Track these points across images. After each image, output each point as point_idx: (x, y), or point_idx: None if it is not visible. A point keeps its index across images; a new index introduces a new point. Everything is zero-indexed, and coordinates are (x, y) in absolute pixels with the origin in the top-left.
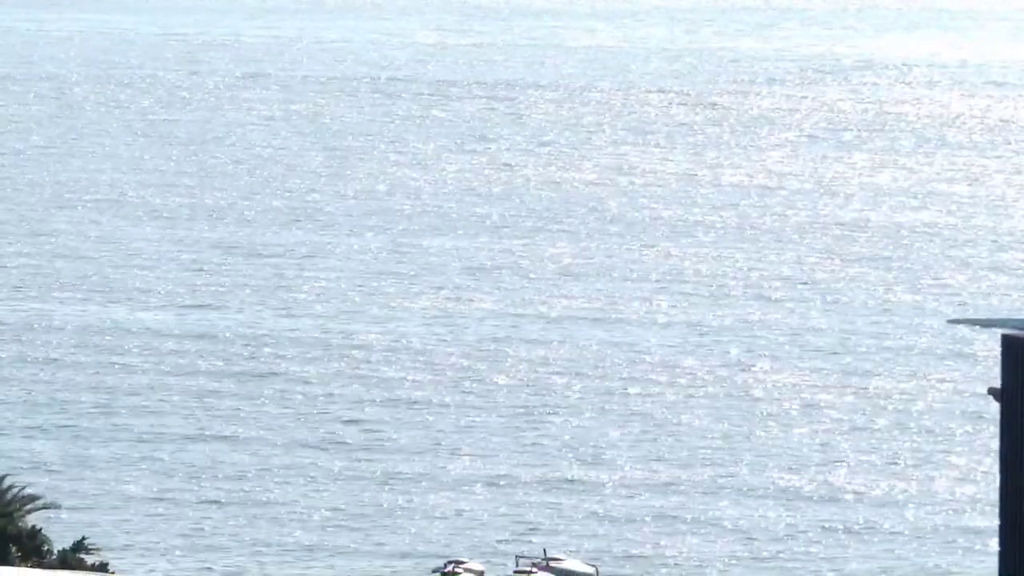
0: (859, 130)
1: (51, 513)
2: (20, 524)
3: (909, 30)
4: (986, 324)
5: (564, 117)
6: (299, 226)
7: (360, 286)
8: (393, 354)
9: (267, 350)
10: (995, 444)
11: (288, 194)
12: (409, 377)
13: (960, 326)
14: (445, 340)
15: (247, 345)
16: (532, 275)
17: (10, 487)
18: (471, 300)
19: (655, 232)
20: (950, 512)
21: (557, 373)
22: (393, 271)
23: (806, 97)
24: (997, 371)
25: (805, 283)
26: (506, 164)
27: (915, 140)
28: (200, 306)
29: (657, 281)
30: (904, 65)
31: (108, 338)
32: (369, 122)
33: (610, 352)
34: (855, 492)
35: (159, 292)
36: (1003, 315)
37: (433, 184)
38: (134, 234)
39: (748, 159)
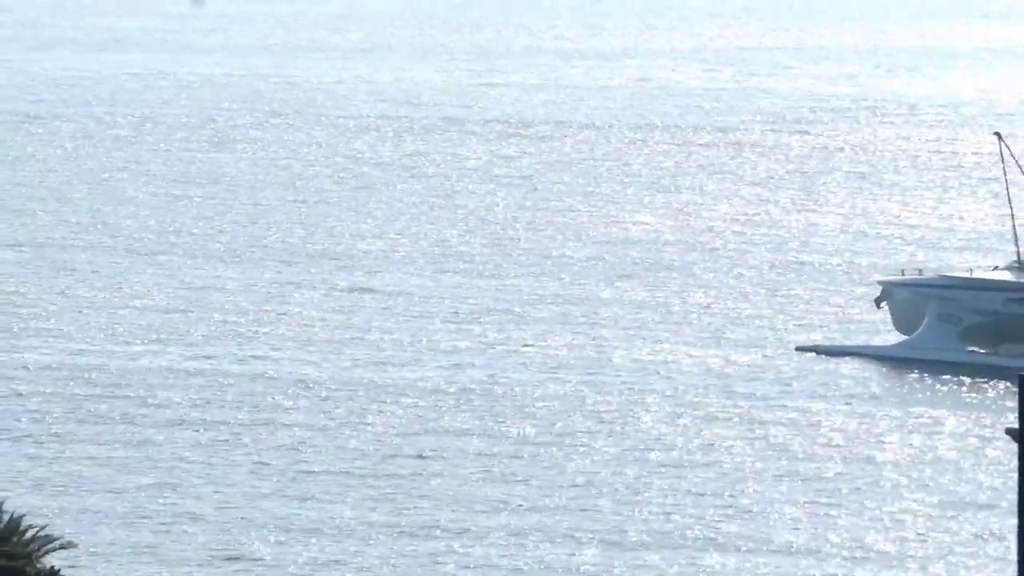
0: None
1: (69, 553)
2: (39, 565)
3: (944, 69)
4: (827, 351)
5: (597, 157)
6: (335, 265)
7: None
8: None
9: (280, 394)
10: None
11: (309, 228)
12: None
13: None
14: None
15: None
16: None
17: (28, 527)
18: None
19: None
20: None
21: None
22: (439, 312)
23: (843, 134)
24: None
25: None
26: (542, 205)
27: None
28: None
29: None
30: (940, 105)
31: (153, 381)
32: (395, 158)
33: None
34: (854, 548)
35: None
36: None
37: (461, 222)
38: (194, 275)
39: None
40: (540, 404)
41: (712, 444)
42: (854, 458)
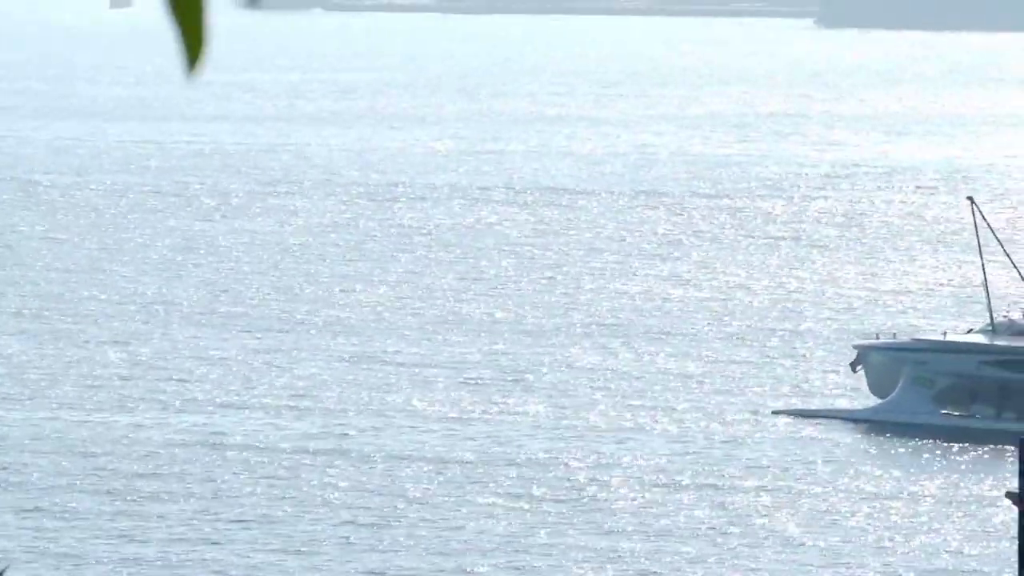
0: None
1: None
2: None
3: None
4: (803, 414)
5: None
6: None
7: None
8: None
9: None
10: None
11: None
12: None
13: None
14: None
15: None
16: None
17: None
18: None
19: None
20: None
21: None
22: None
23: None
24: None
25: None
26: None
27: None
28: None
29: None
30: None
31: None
32: (389, 226)
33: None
34: None
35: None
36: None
37: (455, 288)
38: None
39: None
40: (515, 470)
41: (685, 510)
42: (831, 524)
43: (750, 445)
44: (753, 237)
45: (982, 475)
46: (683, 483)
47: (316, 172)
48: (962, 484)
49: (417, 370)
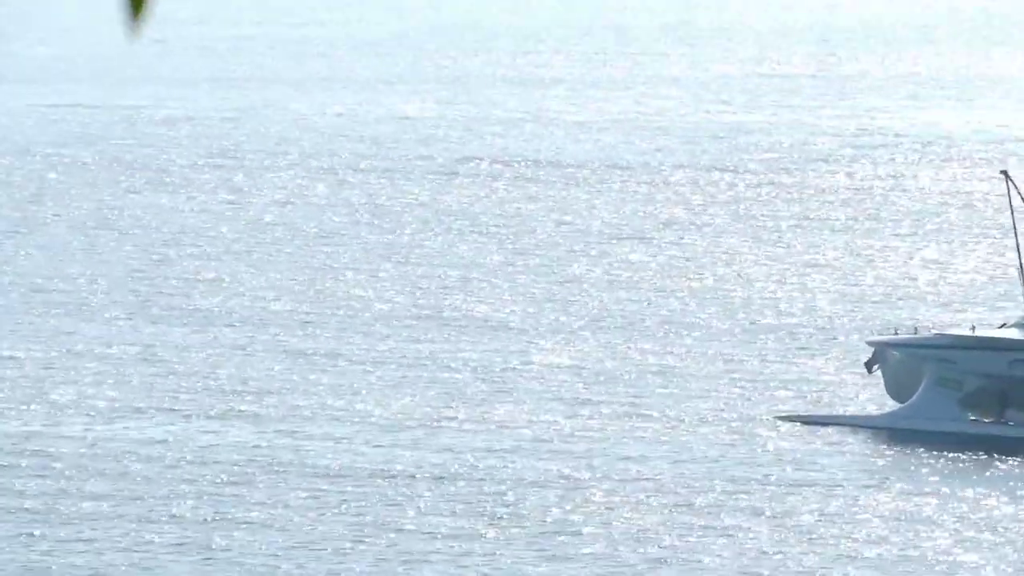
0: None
1: None
2: None
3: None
4: (812, 420)
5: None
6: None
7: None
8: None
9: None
10: None
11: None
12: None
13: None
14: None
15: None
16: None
17: None
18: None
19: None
20: None
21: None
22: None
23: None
24: None
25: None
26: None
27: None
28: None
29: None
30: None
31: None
32: (360, 202)
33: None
34: None
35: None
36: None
37: (436, 275)
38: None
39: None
40: (510, 479)
41: (680, 526)
42: (841, 548)
43: (749, 456)
44: (758, 217)
45: (1017, 491)
46: (672, 501)
47: (269, 142)
48: (994, 502)
49: (384, 369)
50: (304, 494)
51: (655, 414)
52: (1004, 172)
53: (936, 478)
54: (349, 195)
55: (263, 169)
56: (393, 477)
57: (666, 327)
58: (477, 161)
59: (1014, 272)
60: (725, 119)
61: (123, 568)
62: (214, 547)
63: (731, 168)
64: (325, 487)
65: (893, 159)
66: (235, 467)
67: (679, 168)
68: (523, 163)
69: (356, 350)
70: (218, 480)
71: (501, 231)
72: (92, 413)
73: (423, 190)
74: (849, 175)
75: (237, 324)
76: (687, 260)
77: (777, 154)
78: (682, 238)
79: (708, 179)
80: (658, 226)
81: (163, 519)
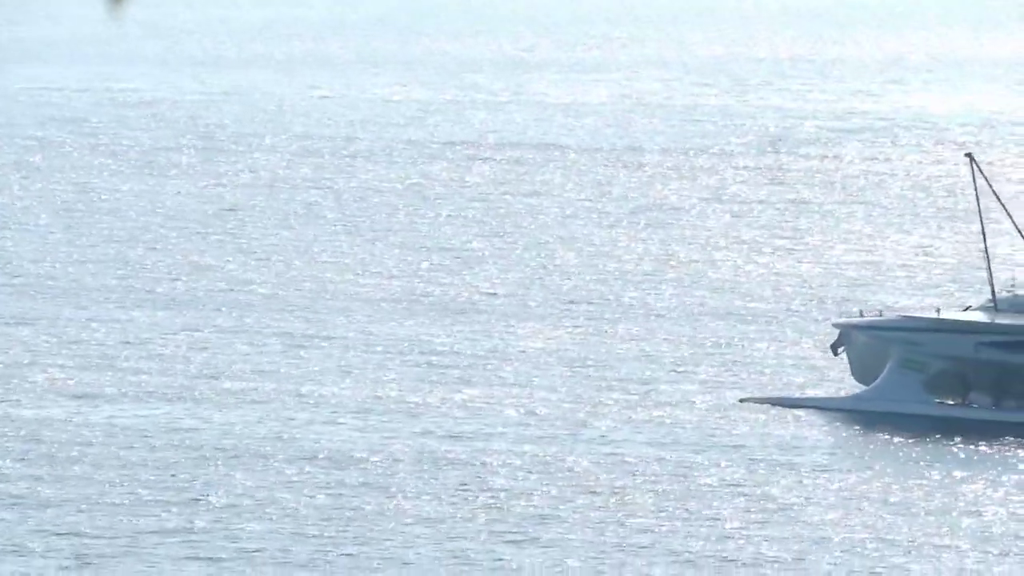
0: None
1: None
2: None
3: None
4: (776, 403)
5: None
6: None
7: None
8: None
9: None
10: None
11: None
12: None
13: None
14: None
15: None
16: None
17: None
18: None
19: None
20: None
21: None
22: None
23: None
24: None
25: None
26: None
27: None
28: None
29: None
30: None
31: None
32: (346, 185)
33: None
34: None
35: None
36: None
37: (421, 258)
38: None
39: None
40: (482, 459)
41: (644, 509)
42: (805, 531)
43: (711, 440)
44: (733, 201)
45: (980, 473)
46: (633, 484)
47: (253, 125)
48: (958, 484)
49: (369, 352)
50: (288, 476)
51: (618, 397)
52: (968, 155)
53: (900, 461)
54: (332, 178)
55: (245, 151)
56: (377, 460)
57: (636, 310)
58: (461, 145)
59: (979, 255)
60: (708, 102)
61: (106, 550)
62: (197, 530)
63: (710, 151)
64: (309, 469)
65: (869, 142)
66: (218, 450)
67: (659, 152)
68: (506, 146)
69: (340, 333)
70: (200, 463)
71: (483, 215)
72: (73, 396)
73: (406, 173)
74: (823, 158)
75: (220, 307)
76: (660, 244)
77: (756, 137)
78: (657, 222)
79: (686, 163)
80: (635, 210)
81: (146, 502)
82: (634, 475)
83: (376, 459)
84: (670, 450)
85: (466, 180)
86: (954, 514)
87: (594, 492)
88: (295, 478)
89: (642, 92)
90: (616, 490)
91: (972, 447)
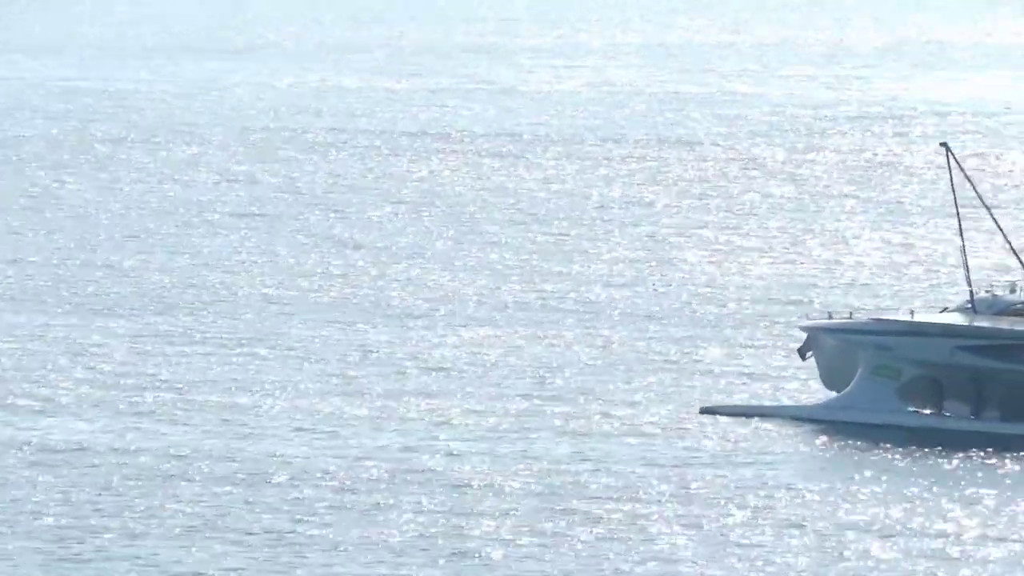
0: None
1: None
2: None
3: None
4: (739, 412)
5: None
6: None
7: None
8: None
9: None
10: None
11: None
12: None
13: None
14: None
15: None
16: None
17: None
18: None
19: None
20: None
21: None
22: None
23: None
24: None
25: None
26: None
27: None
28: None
29: None
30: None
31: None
32: (296, 180)
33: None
34: None
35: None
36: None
37: (376, 259)
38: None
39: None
40: (435, 471)
41: (597, 527)
42: (765, 549)
43: (669, 452)
44: (700, 196)
45: (957, 488)
46: (582, 501)
47: (196, 116)
48: (933, 499)
49: (320, 363)
50: (237, 490)
51: (567, 407)
52: (944, 144)
53: (871, 474)
54: (283, 173)
55: (187, 145)
56: (332, 471)
57: (590, 313)
58: (430, 136)
59: (956, 253)
60: (685, 90)
61: (51, 566)
62: (141, 544)
63: (682, 142)
64: (259, 483)
65: (841, 132)
66: (161, 466)
67: (620, 144)
68: (477, 137)
69: (286, 339)
70: (142, 480)
71: (443, 212)
72: (13, 408)
73: (365, 167)
74: (794, 149)
75: (162, 313)
76: (617, 243)
77: (731, 128)
78: (615, 220)
79: (656, 155)
80: (591, 208)
81: (85, 524)
82: (584, 491)
83: (336, 469)
84: (623, 463)
85: (432, 174)
86: (929, 533)
87: (542, 509)
88: (245, 496)
89: (617, 80)
90: (564, 509)
91: (949, 460)
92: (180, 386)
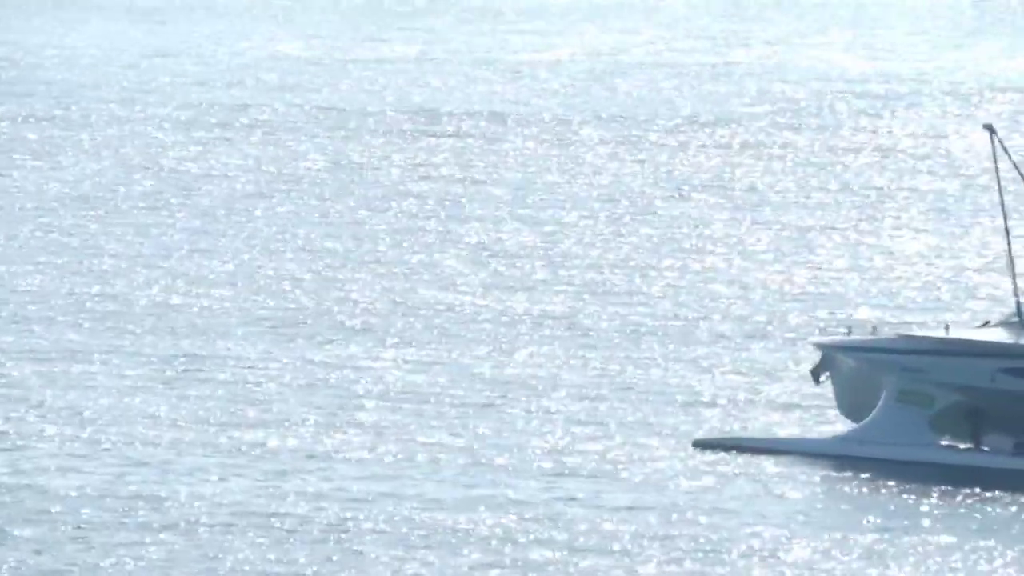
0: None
1: None
2: None
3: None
4: (739, 446)
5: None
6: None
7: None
8: None
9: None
10: None
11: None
12: None
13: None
14: None
15: None
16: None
17: None
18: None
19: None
20: None
21: None
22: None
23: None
24: None
25: None
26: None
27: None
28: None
29: None
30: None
31: None
32: (238, 164)
33: None
34: None
35: None
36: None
37: (332, 260)
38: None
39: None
40: (379, 514)
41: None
42: None
43: (656, 494)
44: (682, 188)
45: (996, 534)
46: (553, 545)
47: (108, 91)
48: (970, 549)
49: (254, 386)
50: (158, 537)
51: (540, 438)
52: (988, 126)
53: (896, 521)
54: (214, 154)
55: (106, 124)
56: (276, 514)
57: (565, 327)
58: (391, 113)
59: (1000, 255)
60: (686, 60)
61: None
62: None
63: (661, 121)
64: (184, 524)
65: (866, 111)
66: (75, 505)
67: (599, 123)
68: (442, 117)
69: (221, 356)
70: (61, 522)
71: (402, 203)
72: None
73: (314, 148)
74: (808, 131)
75: (74, 325)
76: (598, 244)
77: (738, 107)
78: (597, 215)
79: (637, 137)
80: (572, 199)
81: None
82: (554, 534)
83: (279, 513)
84: (604, 504)
85: (386, 159)
86: None
87: (507, 556)
88: (167, 537)
89: (610, 48)
90: (533, 558)
91: (989, 503)
92: (90, 410)
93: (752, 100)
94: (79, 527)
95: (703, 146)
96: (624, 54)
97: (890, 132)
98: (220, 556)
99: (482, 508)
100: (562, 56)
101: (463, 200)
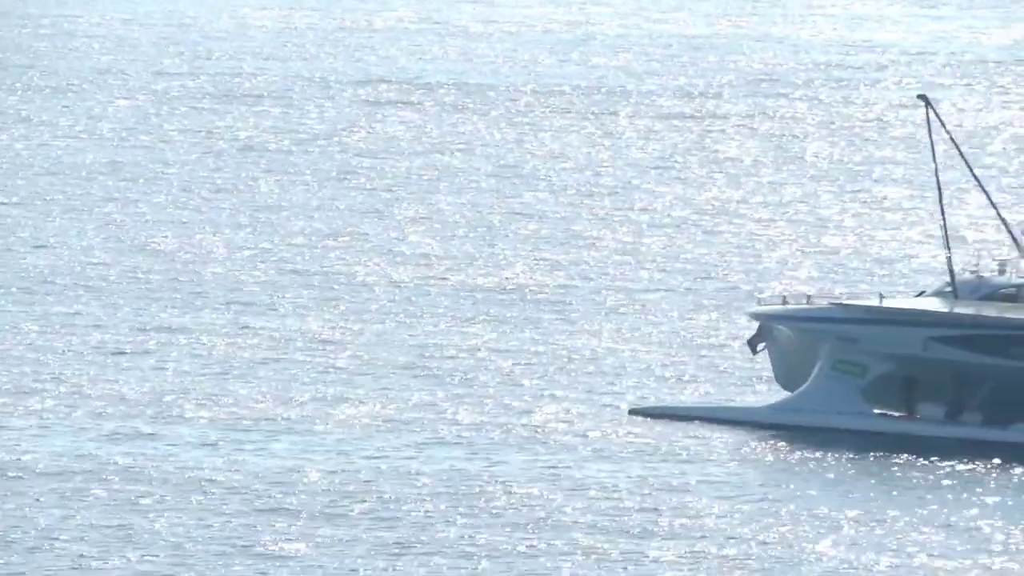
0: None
1: None
2: None
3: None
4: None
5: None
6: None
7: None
8: None
9: None
10: None
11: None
12: None
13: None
14: None
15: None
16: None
17: None
18: None
19: None
20: None
21: None
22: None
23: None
24: None
25: None
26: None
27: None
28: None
29: None
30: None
31: None
32: (207, 136)
33: None
34: None
35: None
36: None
37: (304, 235)
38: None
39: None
40: (341, 476)
41: (500, 541)
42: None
43: (592, 462)
44: (626, 161)
45: (929, 502)
46: (494, 512)
47: (77, 61)
48: (903, 517)
49: (232, 361)
50: (152, 499)
51: (479, 408)
52: (922, 96)
53: (830, 489)
54: (195, 126)
55: (76, 95)
56: (263, 478)
57: (505, 298)
58: (359, 86)
59: (935, 225)
60: (668, 29)
61: None
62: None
63: (601, 92)
64: (173, 493)
65: (805, 85)
66: (76, 474)
67: (552, 94)
68: (419, 88)
69: (209, 327)
70: (53, 487)
71: (377, 175)
72: None
73: (288, 120)
74: (748, 106)
75: (37, 296)
76: (535, 215)
77: (703, 79)
78: (535, 185)
79: (611, 108)
80: (504, 170)
81: None
82: (495, 502)
83: (267, 477)
84: (542, 474)
85: (366, 130)
86: (900, 556)
87: (452, 519)
88: (143, 505)
89: (595, 17)
90: (473, 524)
91: (921, 471)
92: (56, 382)
93: (711, 72)
94: (51, 495)
95: (656, 117)
96: (609, 26)
97: (826, 103)
98: (198, 527)
99: (423, 478)
100: (547, 27)
101: (422, 170)
